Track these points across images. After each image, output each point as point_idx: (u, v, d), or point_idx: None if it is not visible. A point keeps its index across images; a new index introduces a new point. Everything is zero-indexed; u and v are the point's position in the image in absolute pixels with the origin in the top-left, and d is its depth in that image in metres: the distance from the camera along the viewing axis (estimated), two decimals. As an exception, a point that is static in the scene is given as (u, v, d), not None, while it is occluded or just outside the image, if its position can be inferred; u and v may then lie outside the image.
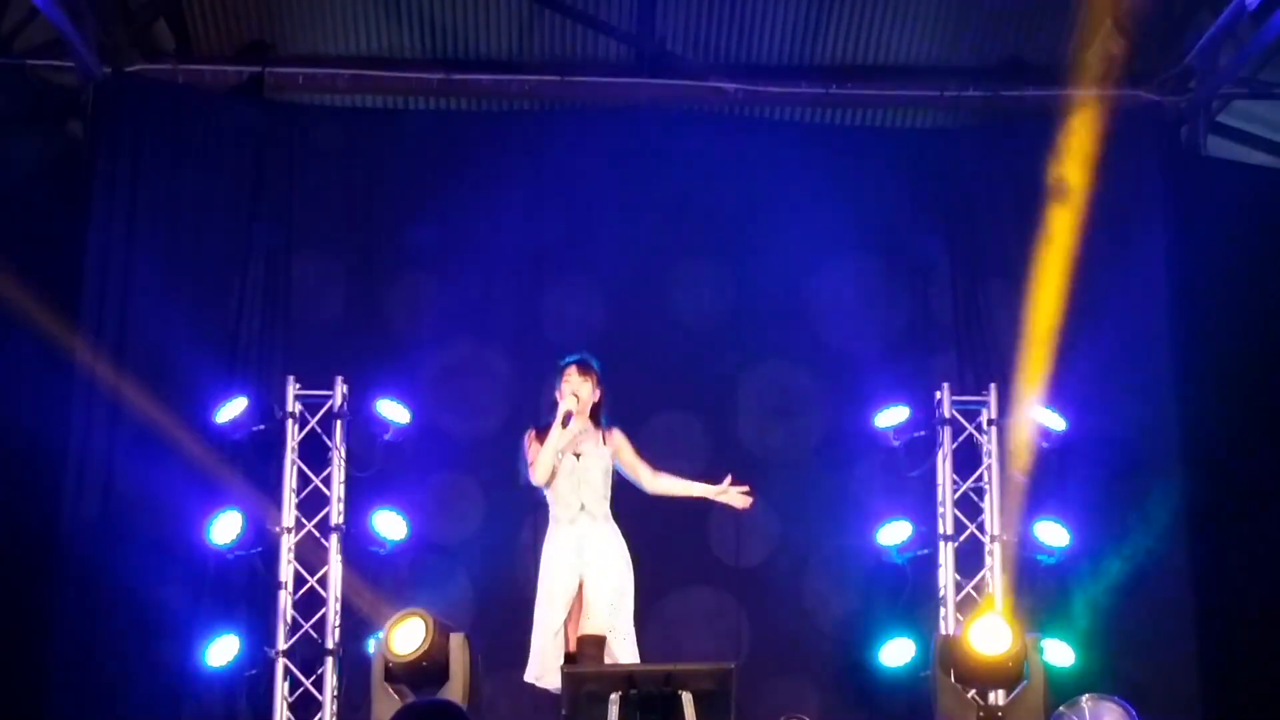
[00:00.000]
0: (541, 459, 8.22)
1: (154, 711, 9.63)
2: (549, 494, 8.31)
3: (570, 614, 8.17)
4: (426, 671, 8.33)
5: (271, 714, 9.43)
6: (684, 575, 10.06)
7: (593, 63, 11.03)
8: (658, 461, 8.51)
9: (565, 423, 8.24)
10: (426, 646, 8.31)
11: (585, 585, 8.15)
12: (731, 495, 8.43)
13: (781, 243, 10.44)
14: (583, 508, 8.25)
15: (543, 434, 8.28)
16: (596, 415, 8.42)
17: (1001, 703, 9.14)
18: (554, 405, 8.33)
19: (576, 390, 8.32)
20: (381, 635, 8.53)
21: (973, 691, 9.21)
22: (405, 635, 8.38)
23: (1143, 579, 10.06)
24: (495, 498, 9.92)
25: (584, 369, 8.38)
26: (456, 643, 8.40)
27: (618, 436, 8.43)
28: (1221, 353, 10.34)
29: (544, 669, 8.12)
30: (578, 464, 8.29)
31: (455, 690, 8.23)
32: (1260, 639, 10.16)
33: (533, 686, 8.19)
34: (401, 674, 8.39)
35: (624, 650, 8.09)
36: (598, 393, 8.39)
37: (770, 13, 10.82)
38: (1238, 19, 9.96)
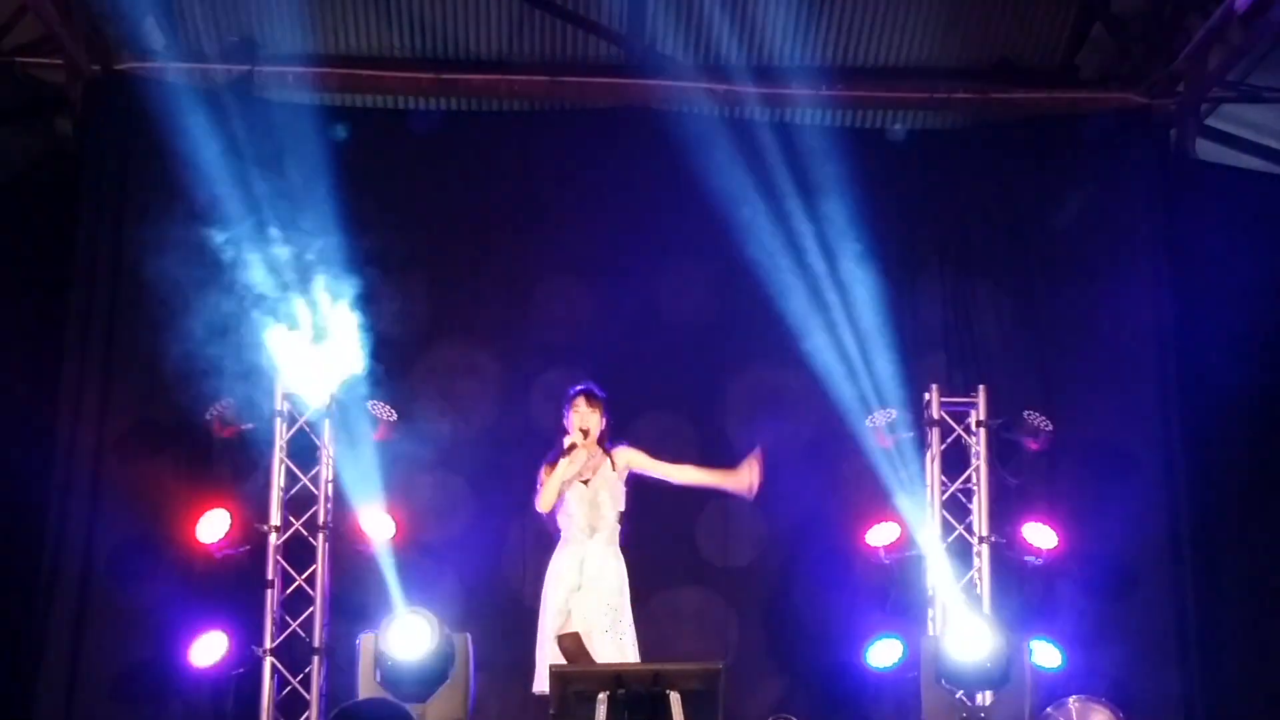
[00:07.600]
0: (547, 488, 8.40)
1: (141, 710, 9.62)
2: (562, 518, 8.44)
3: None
4: (428, 673, 8.21)
5: (259, 713, 9.41)
6: (672, 575, 10.06)
7: (583, 63, 11.02)
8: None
9: (569, 454, 8.38)
10: (433, 647, 8.20)
11: (577, 595, 8.22)
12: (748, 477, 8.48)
13: (771, 243, 10.44)
14: (593, 531, 8.37)
15: (554, 466, 8.43)
16: (603, 440, 8.53)
17: (989, 704, 9.15)
18: (564, 433, 8.47)
19: (585, 420, 8.48)
20: (379, 634, 8.46)
21: (960, 692, 9.23)
22: (408, 636, 8.23)
23: (1130, 581, 10.09)
24: (483, 497, 9.92)
25: (591, 399, 8.53)
26: (460, 643, 8.33)
27: (626, 453, 8.57)
28: (1211, 353, 10.35)
29: None
30: (585, 490, 8.42)
31: (456, 692, 8.09)
32: (1246, 641, 10.19)
33: (523, 687, 8.17)
34: (401, 675, 8.25)
35: (624, 646, 8.16)
36: (604, 420, 8.52)
37: (760, 14, 10.82)
38: (1227, 22, 9.97)
